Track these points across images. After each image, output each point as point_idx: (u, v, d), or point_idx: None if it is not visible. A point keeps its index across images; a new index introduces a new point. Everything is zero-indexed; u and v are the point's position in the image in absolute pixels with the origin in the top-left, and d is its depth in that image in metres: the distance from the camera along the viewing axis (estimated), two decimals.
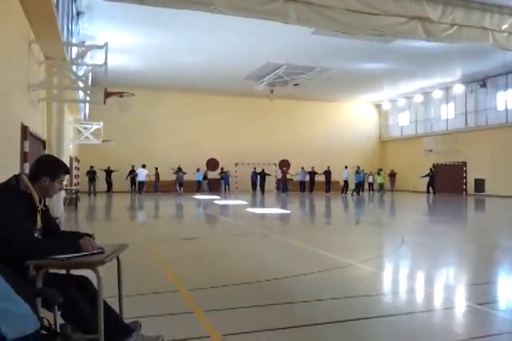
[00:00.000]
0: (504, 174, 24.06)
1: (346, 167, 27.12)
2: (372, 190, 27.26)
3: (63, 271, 2.98)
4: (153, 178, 26.07)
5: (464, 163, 27.08)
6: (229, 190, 28.58)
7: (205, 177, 27.99)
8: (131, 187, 26.39)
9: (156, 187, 26.10)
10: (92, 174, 24.43)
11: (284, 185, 27.32)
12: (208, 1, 9.77)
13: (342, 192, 26.10)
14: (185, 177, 26.73)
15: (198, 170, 27.59)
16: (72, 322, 2.74)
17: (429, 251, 7.63)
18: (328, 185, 27.30)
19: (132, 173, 26.24)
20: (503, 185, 24.12)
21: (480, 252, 7.67)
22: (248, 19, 11.17)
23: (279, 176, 28.91)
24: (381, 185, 28.17)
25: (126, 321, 3.05)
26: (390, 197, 24.65)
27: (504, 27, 12.79)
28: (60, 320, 2.75)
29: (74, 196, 15.66)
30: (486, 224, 12.79)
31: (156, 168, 26.09)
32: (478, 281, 5.39)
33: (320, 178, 27.50)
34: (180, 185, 26.47)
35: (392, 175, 28.69)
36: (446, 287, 5.19)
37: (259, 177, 28.54)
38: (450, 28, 12.29)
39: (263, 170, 28.82)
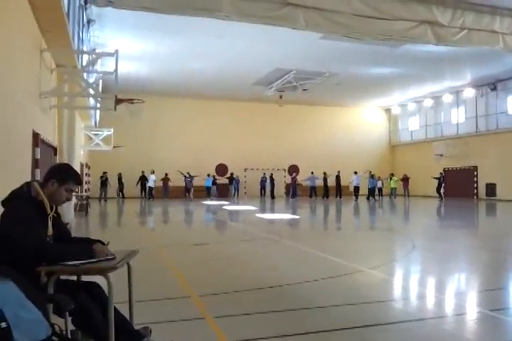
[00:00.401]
0: None
1: (356, 172, 26.69)
2: (381, 195, 26.83)
3: (74, 278, 3.00)
4: (161, 183, 26.11)
5: (475, 168, 26.84)
6: (238, 195, 28.60)
7: (214, 183, 28.02)
8: (141, 192, 26.51)
9: (166, 192, 26.18)
10: (104, 180, 24.58)
11: (293, 191, 27.30)
12: (216, 7, 9.86)
13: (356, 198, 25.53)
14: (195, 183, 26.84)
15: (208, 175, 27.66)
16: (83, 329, 2.76)
17: (440, 256, 7.56)
18: (339, 190, 27.26)
19: (142, 179, 26.36)
20: None
21: (491, 258, 7.58)
22: (257, 25, 11.23)
23: (288, 181, 28.89)
24: (393, 190, 27.80)
25: (137, 327, 3.06)
26: (403, 202, 24.47)
27: None
28: (71, 326, 2.76)
29: (84, 202, 15.77)
30: (497, 229, 12.65)
31: (166, 174, 26.18)
32: (489, 287, 5.33)
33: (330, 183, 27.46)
34: (187, 191, 26.59)
35: (405, 180, 28.23)
36: (457, 293, 5.14)
37: (268, 182, 28.53)
38: (460, 32, 12.26)
39: (272, 175, 28.79)
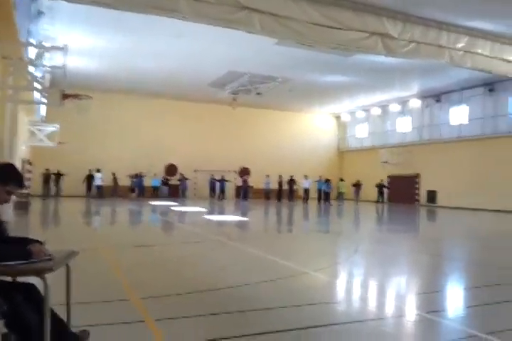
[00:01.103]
0: (455, 186, 25.03)
1: (306, 176, 27.41)
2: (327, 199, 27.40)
3: (9, 278, 2.88)
4: (109, 182, 25.58)
5: (418, 175, 27.99)
6: (184, 196, 28.36)
7: (165, 183, 27.69)
8: (87, 191, 25.72)
9: (114, 192, 25.58)
10: (47, 177, 23.73)
11: (244, 193, 27.42)
12: (173, 7, 9.75)
13: (304, 201, 26.19)
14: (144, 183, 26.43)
15: (154, 175, 27.34)
16: (17, 332, 2.64)
17: (382, 259, 7.81)
18: (292, 193, 27.77)
19: (89, 178, 25.63)
20: (454, 196, 25.06)
21: (430, 261, 7.92)
22: (213, 27, 11.20)
23: (239, 184, 28.99)
24: (341, 194, 28.44)
25: (75, 330, 2.97)
26: (351, 206, 25.06)
27: (460, 45, 13.37)
28: (3, 329, 2.64)
29: (24, 200, 15.11)
30: (436, 234, 13.21)
31: (114, 174, 25.62)
32: (427, 290, 5.57)
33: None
34: (132, 191, 26.19)
35: (358, 186, 28.75)
36: (396, 295, 5.32)
37: (218, 183, 28.46)
38: (408, 45, 12.74)
39: (222, 176, 28.75)
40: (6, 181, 2.76)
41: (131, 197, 25.65)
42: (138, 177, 26.09)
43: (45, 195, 23.33)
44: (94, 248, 8.08)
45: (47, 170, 23.99)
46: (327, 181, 27.28)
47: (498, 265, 7.40)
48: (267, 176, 27.83)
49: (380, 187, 27.20)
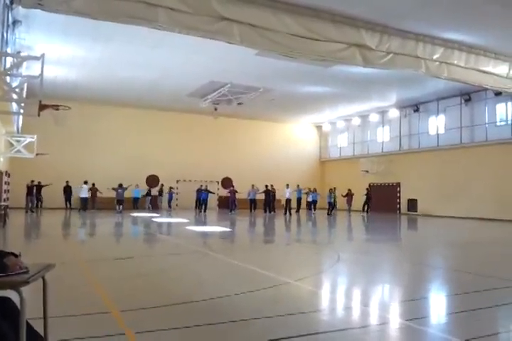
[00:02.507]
0: (435, 195, 25.39)
1: (288, 186, 26.76)
2: (310, 209, 27.02)
3: None
4: (89, 195, 24.90)
5: (398, 184, 28.31)
6: (170, 206, 27.93)
7: (148, 194, 27.13)
8: (66, 203, 25.15)
9: (93, 203, 25.07)
10: (30, 188, 22.97)
11: (232, 204, 26.37)
12: (152, 17, 9.77)
13: (286, 212, 25.54)
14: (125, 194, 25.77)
15: (136, 186, 26.66)
16: None
17: (364, 268, 7.85)
18: (272, 204, 26.73)
19: (66, 189, 24.98)
20: (434, 205, 25.40)
21: (411, 270, 7.98)
22: (193, 37, 11.24)
23: (224, 194, 28.25)
24: (330, 204, 27.78)
25: None
26: (340, 217, 25.12)
27: (436, 56, 13.68)
28: None
29: (2, 212, 14.80)
30: (418, 242, 13.35)
31: (93, 184, 25.11)
32: (408, 298, 5.60)
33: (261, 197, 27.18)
34: (118, 202, 25.28)
35: (350, 195, 27.56)
36: (378, 304, 5.34)
37: (203, 195, 27.41)
38: (386, 56, 12.98)
39: (206, 186, 28.34)
40: None
41: (117, 210, 24.73)
42: (122, 188, 25.20)
43: (31, 207, 22.43)
44: (74, 261, 7.94)
45: (32, 181, 23.15)
46: (314, 191, 27.07)
47: (476, 272, 7.50)
48: (252, 186, 26.72)
49: (367, 196, 26.89)
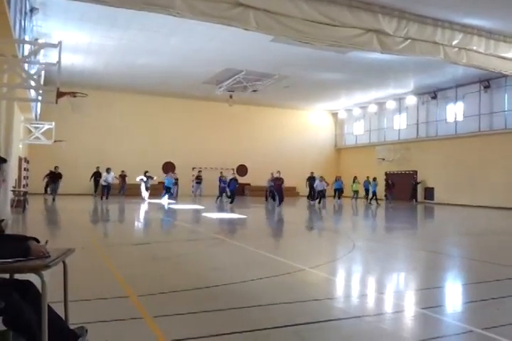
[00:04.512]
0: (452, 183, 25.10)
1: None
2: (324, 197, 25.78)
3: (6, 275, 2.87)
4: (116, 181, 24.25)
5: (415, 172, 28.03)
6: (195, 195, 27.25)
7: (175, 183, 25.93)
8: (95, 189, 24.65)
9: (123, 190, 24.76)
10: (56, 176, 22.64)
11: (280, 195, 21.56)
12: (169, 4, 9.70)
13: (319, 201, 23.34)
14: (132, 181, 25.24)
15: (166, 173, 25.63)
16: (15, 329, 2.64)
17: (379, 256, 7.84)
18: (280, 193, 21.85)
19: (96, 175, 24.23)
20: (451, 193, 25.14)
21: (427, 258, 7.95)
22: (208, 24, 11.17)
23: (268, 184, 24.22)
24: (355, 193, 27.11)
25: (72, 326, 2.97)
26: (362, 204, 25.01)
27: (455, 42, 13.38)
28: (1, 326, 2.64)
29: (22, 198, 15.07)
30: (434, 230, 13.27)
31: (123, 171, 24.78)
32: (424, 286, 5.59)
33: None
34: (147, 189, 24.33)
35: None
36: (393, 291, 5.34)
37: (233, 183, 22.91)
38: (404, 42, 12.73)
39: (233, 175, 24.43)
40: None
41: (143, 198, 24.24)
42: (148, 178, 24.66)
43: (52, 194, 22.03)
44: (93, 246, 8.09)
45: (56, 167, 22.56)
46: (339, 179, 26.29)
47: (496, 262, 7.45)
48: (274, 173, 23.02)
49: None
